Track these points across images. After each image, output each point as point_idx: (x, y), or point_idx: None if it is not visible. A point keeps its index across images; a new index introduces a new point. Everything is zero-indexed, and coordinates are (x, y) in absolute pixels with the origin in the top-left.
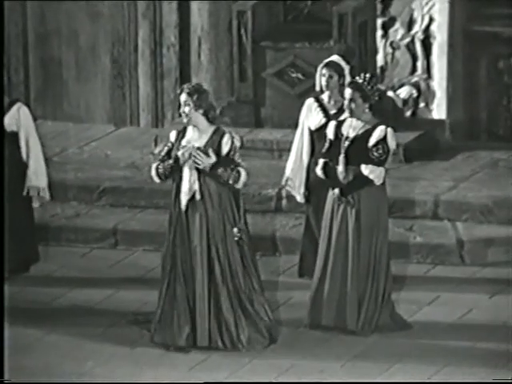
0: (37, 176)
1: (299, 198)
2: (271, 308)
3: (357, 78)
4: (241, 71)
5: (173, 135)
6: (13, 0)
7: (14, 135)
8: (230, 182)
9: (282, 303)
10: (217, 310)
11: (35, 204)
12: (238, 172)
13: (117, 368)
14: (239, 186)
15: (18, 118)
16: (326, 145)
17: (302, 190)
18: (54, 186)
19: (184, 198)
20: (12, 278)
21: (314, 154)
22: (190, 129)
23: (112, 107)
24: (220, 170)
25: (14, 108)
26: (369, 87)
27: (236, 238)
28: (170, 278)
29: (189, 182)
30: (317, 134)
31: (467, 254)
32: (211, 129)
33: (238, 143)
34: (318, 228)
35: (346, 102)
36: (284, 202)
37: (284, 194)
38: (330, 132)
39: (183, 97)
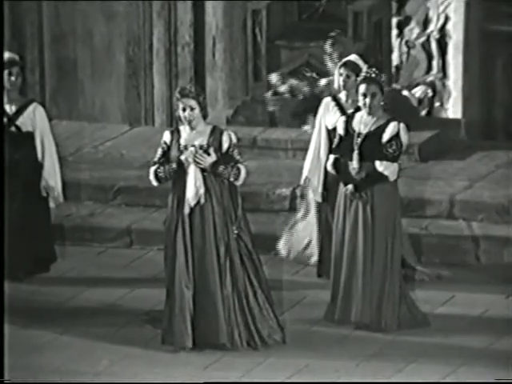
0: (51, 176)
1: (317, 198)
2: (277, 308)
3: (364, 73)
4: (255, 70)
5: (167, 136)
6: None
7: (30, 135)
8: (231, 179)
9: (296, 302)
10: (228, 309)
11: (52, 204)
12: (238, 169)
13: (131, 367)
14: (239, 182)
15: (34, 118)
16: (336, 140)
17: (320, 189)
18: (69, 186)
19: (191, 203)
20: (29, 278)
21: (331, 153)
22: (183, 129)
23: (127, 106)
24: (221, 168)
25: (30, 108)
26: (382, 79)
27: (234, 236)
28: (173, 281)
29: (195, 186)
30: (334, 133)
31: (483, 253)
32: (208, 128)
33: (235, 140)
34: None
35: (367, 99)
36: (298, 201)
37: (298, 193)
38: (340, 127)
39: (187, 101)
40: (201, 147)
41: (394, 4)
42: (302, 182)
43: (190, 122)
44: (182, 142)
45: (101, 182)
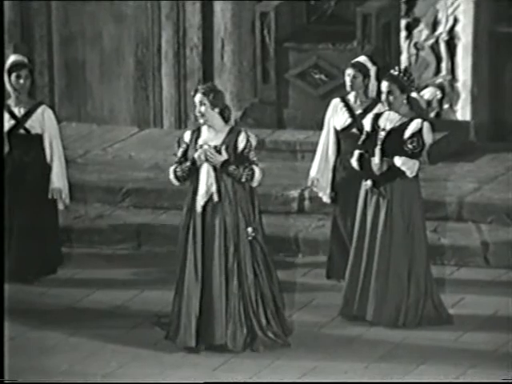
0: (60, 179)
1: (326, 199)
2: (286, 310)
3: (391, 70)
4: (264, 72)
5: (187, 136)
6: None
7: (39, 138)
8: (243, 179)
9: (305, 304)
10: (231, 310)
11: (60, 206)
12: (252, 170)
13: (139, 369)
14: (254, 184)
15: (43, 120)
16: (363, 137)
17: (329, 190)
18: (77, 188)
19: (201, 200)
20: (37, 280)
21: (339, 154)
22: (204, 129)
23: (135, 109)
24: (231, 168)
25: (39, 110)
26: (405, 78)
27: (250, 238)
28: (182, 280)
29: (206, 184)
30: (342, 134)
31: (492, 256)
32: (227, 128)
33: (253, 142)
34: (346, 229)
35: (383, 96)
36: (307, 203)
37: (307, 195)
38: (366, 124)
39: (198, 97)
40: (215, 147)
41: (403, 6)
42: (309, 182)
43: (201, 117)
44: (200, 141)
45: (109, 184)
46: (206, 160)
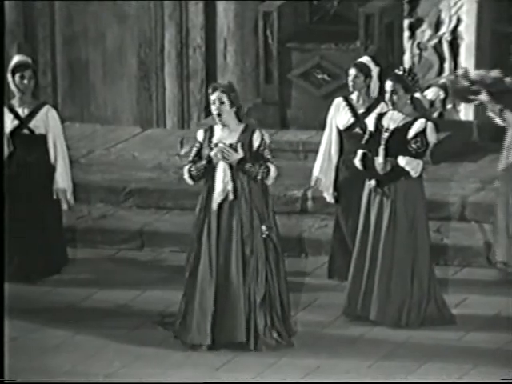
0: (63, 179)
1: (328, 199)
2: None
3: (396, 70)
4: (266, 72)
5: (200, 134)
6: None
7: (43, 138)
8: (259, 177)
9: (308, 304)
10: (248, 308)
11: (64, 206)
12: (267, 168)
13: (143, 369)
14: (269, 182)
15: (47, 120)
16: (366, 136)
17: (332, 190)
18: (80, 188)
19: (218, 198)
20: (42, 280)
21: (342, 153)
22: (217, 127)
23: (138, 109)
24: (248, 166)
25: (43, 111)
26: (409, 78)
27: (264, 236)
28: (194, 279)
29: (222, 182)
30: (345, 134)
31: (494, 255)
32: (241, 126)
33: (267, 140)
34: (348, 228)
35: (387, 95)
36: (310, 203)
37: (310, 195)
38: (370, 123)
39: (217, 95)
40: (230, 145)
41: (406, 6)
42: (312, 182)
43: (218, 116)
44: (214, 140)
45: (112, 184)
46: (223, 158)
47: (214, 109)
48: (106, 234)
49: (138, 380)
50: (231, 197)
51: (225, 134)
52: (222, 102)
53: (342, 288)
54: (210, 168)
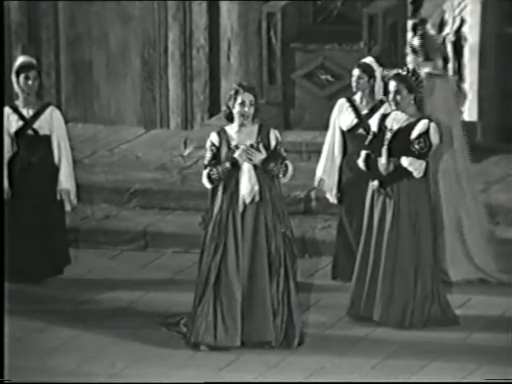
0: (67, 180)
1: (332, 199)
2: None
3: (400, 70)
4: (270, 73)
5: (215, 138)
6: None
7: (47, 139)
8: (280, 175)
9: (312, 305)
10: (274, 308)
11: (67, 207)
12: (286, 165)
13: (146, 369)
14: (287, 179)
15: (51, 121)
16: (370, 137)
17: (335, 191)
18: (84, 189)
19: (247, 199)
20: (45, 281)
21: (345, 154)
22: (229, 129)
23: (142, 109)
24: (272, 165)
25: (47, 112)
26: (413, 78)
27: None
28: (219, 281)
29: (249, 182)
30: (348, 135)
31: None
32: (255, 126)
33: (280, 138)
34: (352, 229)
35: (390, 95)
36: (313, 203)
37: (313, 195)
38: (373, 124)
39: (247, 96)
40: (251, 146)
41: (410, 6)
42: (315, 183)
43: (247, 118)
44: (234, 141)
45: (116, 185)
46: (248, 159)
47: (241, 109)
48: (110, 235)
49: (142, 380)
50: (258, 198)
51: (242, 135)
52: (252, 104)
53: (346, 288)
54: (234, 170)
